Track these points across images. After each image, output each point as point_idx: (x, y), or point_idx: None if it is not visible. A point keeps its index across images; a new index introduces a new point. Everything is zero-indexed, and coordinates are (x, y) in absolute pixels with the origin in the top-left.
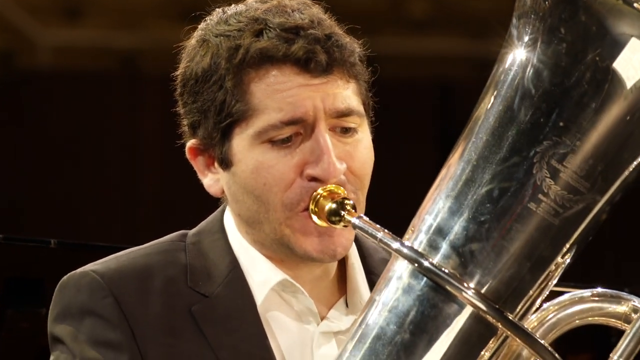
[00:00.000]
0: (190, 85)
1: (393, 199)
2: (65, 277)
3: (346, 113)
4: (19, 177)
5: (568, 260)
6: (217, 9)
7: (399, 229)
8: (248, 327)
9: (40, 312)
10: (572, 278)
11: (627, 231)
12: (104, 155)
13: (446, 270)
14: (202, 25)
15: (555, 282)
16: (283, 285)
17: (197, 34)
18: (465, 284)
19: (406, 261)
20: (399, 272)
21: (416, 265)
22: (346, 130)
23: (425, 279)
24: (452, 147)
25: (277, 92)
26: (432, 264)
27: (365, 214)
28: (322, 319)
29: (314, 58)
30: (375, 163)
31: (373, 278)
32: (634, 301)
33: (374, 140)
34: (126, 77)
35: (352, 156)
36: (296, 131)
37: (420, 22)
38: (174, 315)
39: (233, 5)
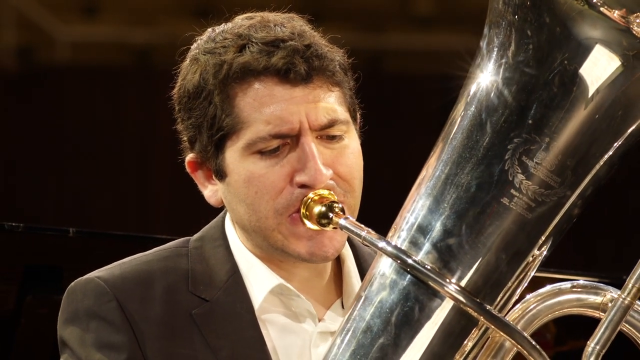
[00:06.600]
0: (184, 102)
1: (397, 192)
2: (72, 283)
3: (330, 125)
4: (36, 169)
5: (545, 252)
6: (208, 29)
7: None
8: (246, 330)
9: (58, 298)
10: (574, 266)
11: (626, 217)
12: (120, 147)
13: (428, 266)
14: (194, 45)
15: (533, 273)
16: (279, 291)
17: (189, 54)
18: (446, 279)
19: (390, 258)
20: (383, 269)
21: (399, 262)
22: (332, 137)
23: (408, 275)
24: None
25: (263, 106)
26: (414, 260)
27: (374, 206)
28: (320, 319)
29: (293, 68)
30: (381, 156)
31: None
32: (611, 292)
33: (380, 135)
34: (141, 71)
35: (338, 161)
36: (283, 142)
37: (425, 18)
38: (175, 319)
39: (222, 24)
